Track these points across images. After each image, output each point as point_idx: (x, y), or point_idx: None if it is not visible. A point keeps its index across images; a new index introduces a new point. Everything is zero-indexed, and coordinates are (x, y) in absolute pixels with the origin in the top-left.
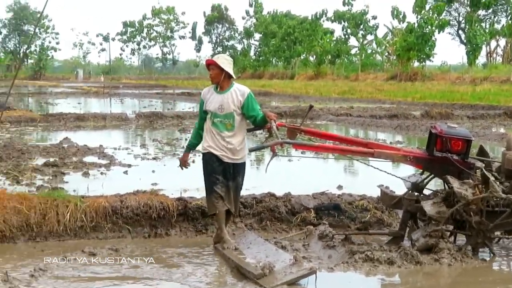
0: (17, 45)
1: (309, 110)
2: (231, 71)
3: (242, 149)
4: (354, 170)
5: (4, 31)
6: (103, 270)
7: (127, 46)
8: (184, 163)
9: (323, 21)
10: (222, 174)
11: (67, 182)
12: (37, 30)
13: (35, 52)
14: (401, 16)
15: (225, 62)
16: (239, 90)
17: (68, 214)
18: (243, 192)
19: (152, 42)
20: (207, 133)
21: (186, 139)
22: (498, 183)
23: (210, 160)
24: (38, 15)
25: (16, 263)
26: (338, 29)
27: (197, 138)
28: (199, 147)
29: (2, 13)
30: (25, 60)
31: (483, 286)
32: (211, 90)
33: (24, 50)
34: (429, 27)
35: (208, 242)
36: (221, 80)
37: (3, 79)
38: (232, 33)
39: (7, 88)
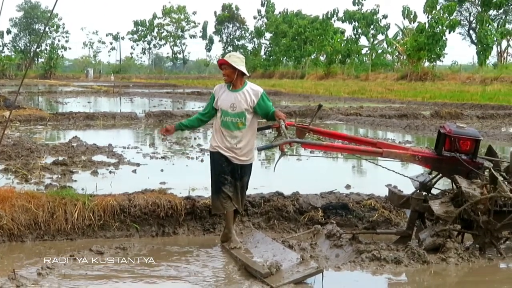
0: (28, 44)
1: (318, 109)
2: (244, 69)
3: (250, 150)
4: (362, 170)
5: (15, 30)
6: (111, 269)
7: (137, 45)
8: (165, 131)
9: (334, 20)
10: (231, 174)
11: (75, 180)
12: (47, 29)
13: (45, 51)
14: (412, 16)
15: (237, 60)
16: (252, 90)
17: (76, 212)
18: (252, 191)
19: (163, 41)
20: (217, 132)
21: (195, 138)
22: (506, 183)
23: (219, 160)
24: (49, 14)
25: (23, 262)
26: (348, 29)
27: (192, 123)
28: (207, 146)
29: (12, 12)
30: (36, 59)
31: (490, 285)
32: (224, 87)
33: (35, 49)
34: (440, 27)
35: (216, 241)
36: (234, 78)
37: (13, 78)
38: (243, 32)
39: (17, 87)
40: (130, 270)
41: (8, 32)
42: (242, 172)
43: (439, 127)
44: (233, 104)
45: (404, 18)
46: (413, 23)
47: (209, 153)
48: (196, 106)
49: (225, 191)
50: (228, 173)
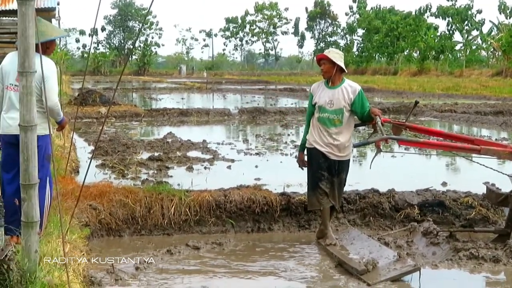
0: (122, 41)
1: (415, 106)
2: (343, 65)
3: (348, 146)
4: (458, 167)
5: (109, 27)
6: (207, 264)
7: (229, 41)
8: (302, 163)
9: (427, 16)
10: (328, 170)
11: (171, 176)
12: (142, 27)
13: (139, 48)
14: (508, 11)
15: (337, 56)
16: (350, 87)
17: (173, 208)
18: (347, 188)
19: (255, 38)
20: (314, 128)
21: (288, 135)
22: None
23: (316, 156)
24: (144, 11)
25: (121, 256)
26: (442, 25)
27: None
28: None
29: (107, 10)
30: (130, 56)
31: None
32: (322, 85)
33: (130, 46)
34: None
35: (311, 238)
36: (333, 74)
37: (108, 74)
38: (335, 28)
39: (112, 83)
40: (227, 265)
41: (103, 29)
42: (339, 168)
43: None
44: (331, 100)
45: (500, 13)
46: (509, 18)
47: (306, 149)
48: (288, 103)
49: (321, 187)
50: (325, 169)
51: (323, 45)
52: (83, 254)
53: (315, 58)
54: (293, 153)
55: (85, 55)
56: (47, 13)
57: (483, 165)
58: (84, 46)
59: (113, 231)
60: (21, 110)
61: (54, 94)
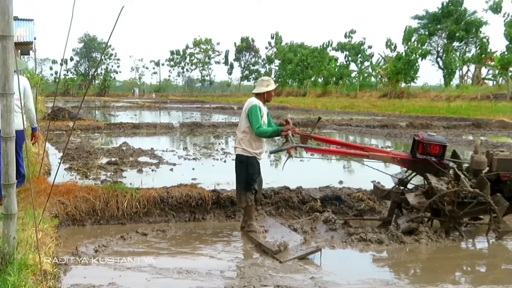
0: (87, 69)
1: (318, 121)
2: None
3: None
4: (352, 169)
5: (76, 58)
6: (153, 247)
7: (173, 69)
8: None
9: (329, 50)
10: (258, 172)
11: (125, 177)
12: (102, 57)
13: (100, 74)
14: (392, 46)
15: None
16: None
17: (126, 202)
18: (264, 186)
19: (193, 67)
20: (253, 141)
21: (219, 144)
22: (467, 179)
23: (255, 163)
24: (104, 45)
25: (83, 241)
26: (341, 57)
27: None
28: (239, 151)
29: (75, 44)
30: (93, 81)
31: (453, 261)
32: (261, 103)
33: (93, 73)
34: (414, 55)
35: (236, 226)
36: None
37: (75, 95)
38: (257, 59)
39: (79, 102)
40: (169, 248)
41: (71, 59)
42: (259, 168)
43: (413, 135)
44: (266, 116)
45: (386, 48)
46: (393, 52)
47: (230, 156)
48: (220, 118)
49: (255, 187)
50: (258, 172)
51: (247, 73)
52: (53, 240)
53: (274, 88)
54: (222, 158)
55: (57, 79)
56: (25, 45)
57: (371, 167)
58: (56, 72)
59: (77, 221)
60: (2, 125)
61: (32, 100)
